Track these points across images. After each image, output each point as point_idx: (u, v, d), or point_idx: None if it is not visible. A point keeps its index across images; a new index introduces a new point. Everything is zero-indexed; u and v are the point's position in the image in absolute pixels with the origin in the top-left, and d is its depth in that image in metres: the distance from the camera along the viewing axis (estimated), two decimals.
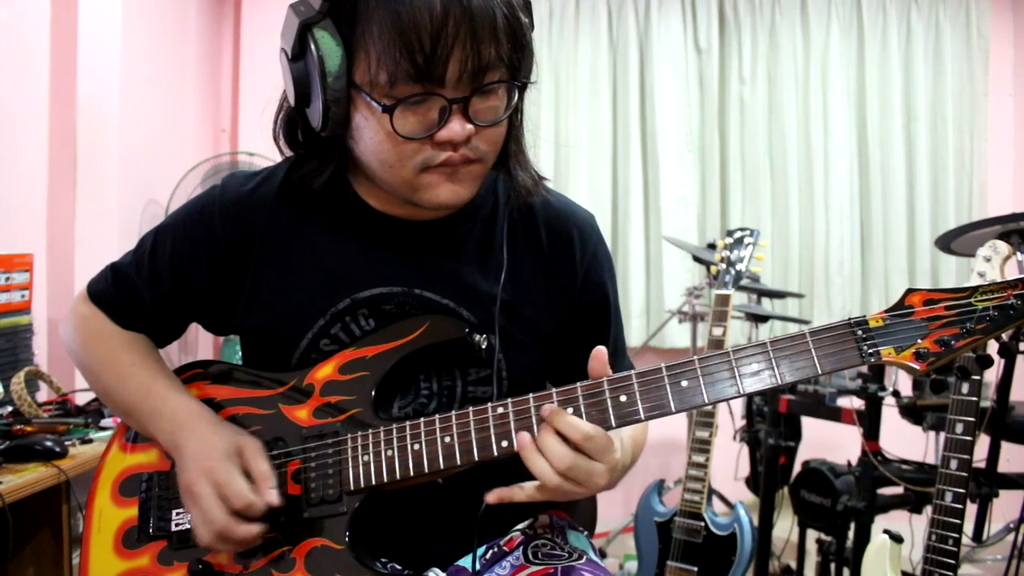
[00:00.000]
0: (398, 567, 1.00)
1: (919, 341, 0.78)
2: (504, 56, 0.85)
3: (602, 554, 3.05)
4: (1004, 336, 0.76)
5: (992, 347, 0.80)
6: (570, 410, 0.85)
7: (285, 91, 0.95)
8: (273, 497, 0.90)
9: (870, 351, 0.78)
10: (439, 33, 0.80)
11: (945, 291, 0.78)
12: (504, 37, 0.84)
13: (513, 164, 0.99)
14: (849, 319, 0.80)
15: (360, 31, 0.83)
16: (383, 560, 0.99)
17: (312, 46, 0.84)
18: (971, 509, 1.76)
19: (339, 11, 0.84)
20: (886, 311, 0.80)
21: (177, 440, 0.95)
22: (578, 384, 0.85)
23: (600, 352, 0.86)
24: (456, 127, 0.85)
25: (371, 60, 0.83)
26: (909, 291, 0.80)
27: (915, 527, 2.12)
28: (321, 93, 0.85)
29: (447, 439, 0.89)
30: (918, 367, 0.77)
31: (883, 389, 2.17)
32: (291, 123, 0.98)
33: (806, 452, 2.62)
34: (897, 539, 1.65)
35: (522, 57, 0.89)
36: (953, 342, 0.76)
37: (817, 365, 0.79)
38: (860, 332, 0.79)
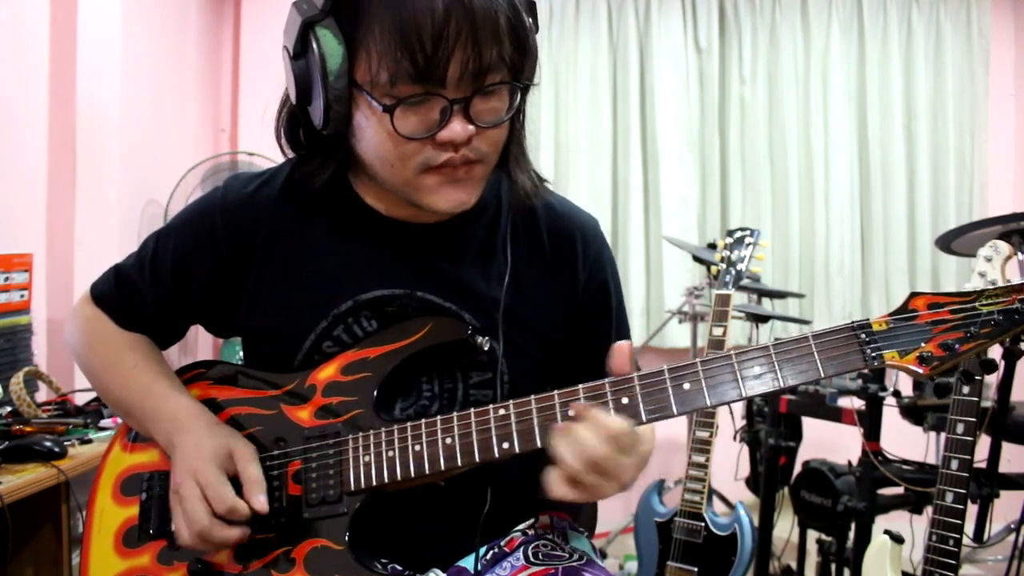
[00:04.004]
0: (398, 568, 1.00)
1: (923, 345, 0.77)
2: (506, 58, 0.85)
3: (602, 554, 3.05)
4: (1008, 340, 0.76)
5: (995, 351, 0.79)
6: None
7: (287, 89, 0.95)
8: (259, 503, 0.90)
9: (873, 355, 0.78)
10: (440, 34, 0.80)
11: (950, 295, 0.78)
12: (506, 39, 0.84)
13: (514, 166, 0.99)
14: (852, 322, 0.80)
15: (362, 30, 0.83)
16: (383, 561, 0.98)
17: (314, 44, 0.84)
18: (972, 509, 1.75)
19: (341, 10, 0.84)
20: (890, 314, 0.79)
21: (173, 441, 0.96)
22: (580, 386, 0.85)
23: (622, 347, 0.86)
24: (457, 128, 0.85)
25: (372, 59, 0.83)
26: (913, 294, 0.79)
27: (915, 527, 2.12)
28: (323, 91, 0.85)
29: (448, 440, 0.89)
30: (921, 371, 0.76)
31: (884, 389, 2.16)
32: (293, 122, 0.98)
33: (806, 452, 2.62)
34: (898, 539, 1.65)
35: (524, 59, 0.88)
36: (957, 346, 0.76)
37: (820, 368, 0.79)
38: (863, 335, 0.78)
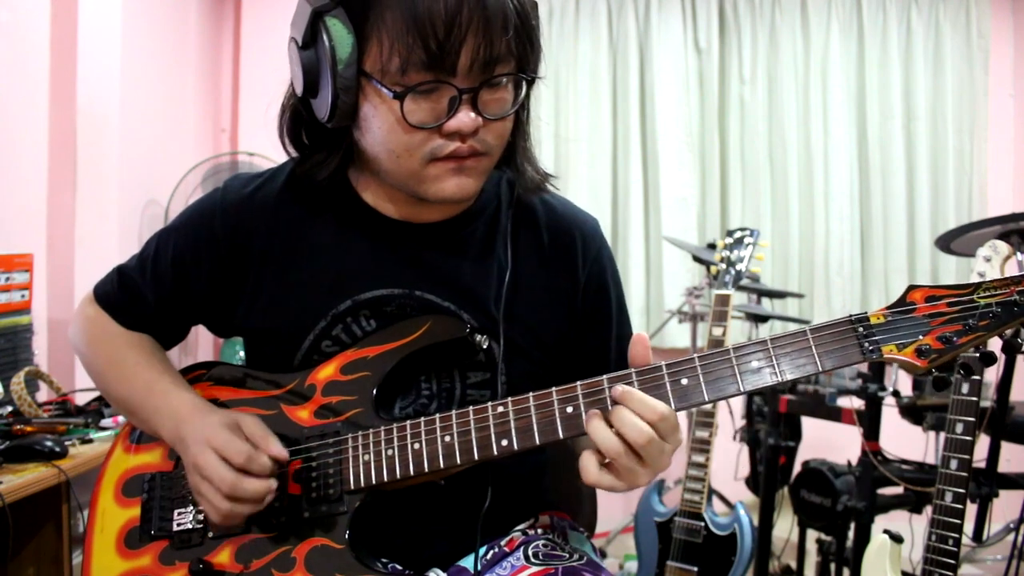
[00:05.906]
0: (399, 567, 1.00)
1: (921, 338, 0.77)
2: (514, 49, 0.86)
3: (602, 554, 3.05)
4: (1007, 332, 0.75)
5: (994, 344, 0.79)
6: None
7: (291, 85, 0.96)
8: (277, 450, 0.91)
9: (871, 348, 0.77)
10: (453, 21, 0.81)
11: (948, 287, 0.77)
12: (515, 31, 0.86)
13: (521, 159, 1.00)
14: (850, 316, 0.79)
15: (373, 18, 0.84)
16: (383, 560, 0.99)
17: (323, 34, 0.85)
18: (971, 509, 1.75)
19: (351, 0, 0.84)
20: (888, 307, 0.79)
21: (180, 432, 0.96)
22: (578, 383, 0.85)
23: (642, 337, 0.83)
24: (464, 118, 0.86)
25: (383, 47, 0.83)
26: (911, 287, 0.79)
27: (915, 527, 2.12)
28: (331, 81, 0.85)
29: (447, 438, 0.89)
30: (920, 364, 0.76)
31: (883, 389, 2.16)
32: (296, 119, 0.98)
33: (806, 452, 2.62)
34: (897, 539, 1.65)
35: (531, 52, 0.89)
36: (955, 339, 0.75)
37: (818, 362, 0.78)
38: (861, 329, 0.78)
